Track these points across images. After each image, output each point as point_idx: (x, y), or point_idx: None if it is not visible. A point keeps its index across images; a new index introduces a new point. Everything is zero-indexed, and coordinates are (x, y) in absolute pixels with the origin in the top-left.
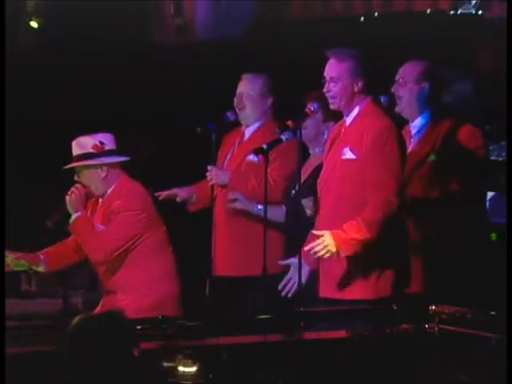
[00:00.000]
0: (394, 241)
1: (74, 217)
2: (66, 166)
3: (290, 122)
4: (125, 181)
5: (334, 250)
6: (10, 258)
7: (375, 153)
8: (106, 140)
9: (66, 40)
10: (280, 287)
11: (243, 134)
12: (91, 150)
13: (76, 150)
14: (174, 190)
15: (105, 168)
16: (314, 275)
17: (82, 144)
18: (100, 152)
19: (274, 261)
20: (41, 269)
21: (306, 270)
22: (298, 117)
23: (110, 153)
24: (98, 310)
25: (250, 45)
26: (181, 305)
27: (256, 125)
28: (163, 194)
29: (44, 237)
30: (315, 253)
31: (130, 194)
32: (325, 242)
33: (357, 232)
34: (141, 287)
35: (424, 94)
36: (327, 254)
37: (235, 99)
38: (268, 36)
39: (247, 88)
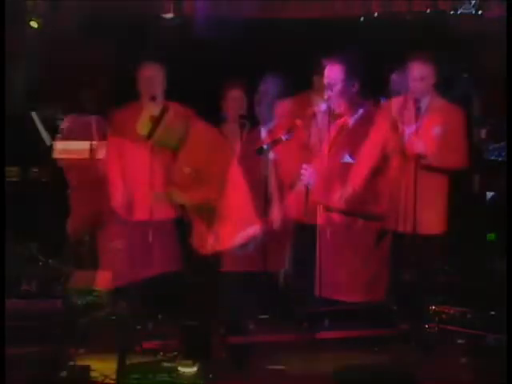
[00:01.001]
0: (390, 242)
1: None
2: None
3: (298, 122)
4: None
5: (306, 181)
6: None
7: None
8: None
9: (66, 40)
10: (239, 246)
11: (259, 131)
12: None
13: None
14: None
15: None
16: (313, 276)
17: None
18: None
19: (275, 257)
20: None
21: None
22: (305, 117)
23: None
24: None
25: (250, 45)
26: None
27: (272, 123)
28: None
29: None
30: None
31: None
32: (308, 170)
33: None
34: None
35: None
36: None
37: (257, 96)
38: (268, 36)
39: (272, 88)
